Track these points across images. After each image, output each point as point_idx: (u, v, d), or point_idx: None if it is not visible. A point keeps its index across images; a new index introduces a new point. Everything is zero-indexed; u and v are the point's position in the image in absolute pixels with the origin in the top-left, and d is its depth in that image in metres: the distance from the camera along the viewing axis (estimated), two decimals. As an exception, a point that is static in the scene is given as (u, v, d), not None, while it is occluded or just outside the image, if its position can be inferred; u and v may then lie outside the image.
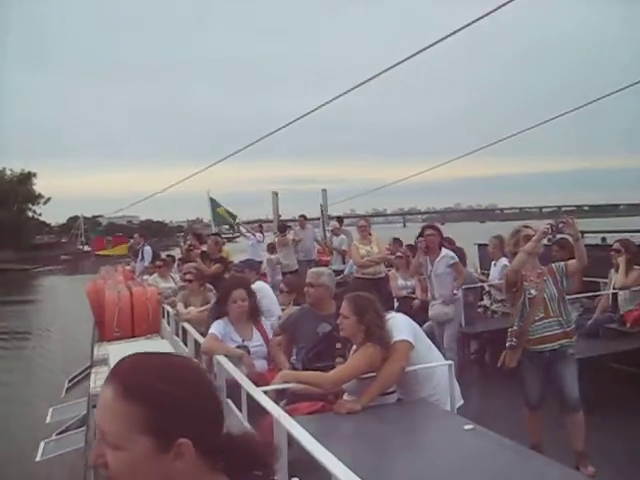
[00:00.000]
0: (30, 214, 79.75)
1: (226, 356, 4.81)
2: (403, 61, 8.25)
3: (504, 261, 8.60)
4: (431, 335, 7.60)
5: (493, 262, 9.05)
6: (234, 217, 16.86)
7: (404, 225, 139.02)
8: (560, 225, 4.83)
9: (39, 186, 79.68)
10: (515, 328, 5.02)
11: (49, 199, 79.84)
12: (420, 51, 8.04)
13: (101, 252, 18.89)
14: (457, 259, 7.57)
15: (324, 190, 18.79)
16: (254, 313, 5.47)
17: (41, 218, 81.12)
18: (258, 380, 4.33)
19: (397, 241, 11.87)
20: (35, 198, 79.41)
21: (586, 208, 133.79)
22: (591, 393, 5.60)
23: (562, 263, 5.14)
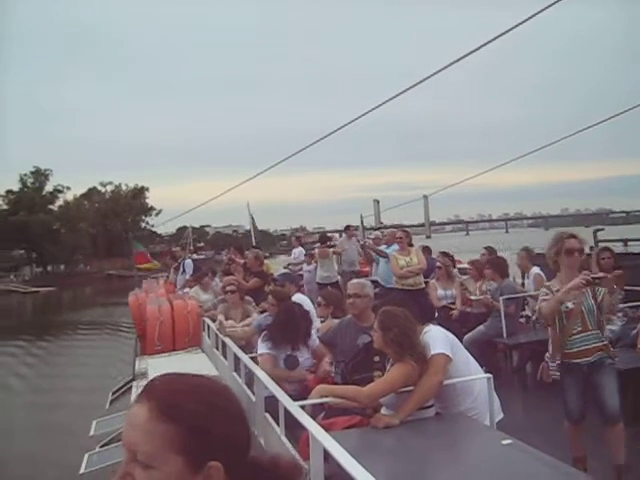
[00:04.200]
0: (143, 225, 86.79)
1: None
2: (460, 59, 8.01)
3: (535, 270, 8.51)
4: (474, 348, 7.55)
5: (525, 274, 8.91)
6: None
7: (506, 231, 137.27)
8: (596, 281, 4.73)
9: (151, 199, 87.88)
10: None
11: (160, 211, 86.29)
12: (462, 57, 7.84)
13: (143, 266, 19.00)
14: None
15: (425, 197, 18.71)
16: None
17: (153, 229, 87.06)
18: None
19: (426, 249, 11.77)
20: (147, 210, 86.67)
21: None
22: (635, 405, 5.47)
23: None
